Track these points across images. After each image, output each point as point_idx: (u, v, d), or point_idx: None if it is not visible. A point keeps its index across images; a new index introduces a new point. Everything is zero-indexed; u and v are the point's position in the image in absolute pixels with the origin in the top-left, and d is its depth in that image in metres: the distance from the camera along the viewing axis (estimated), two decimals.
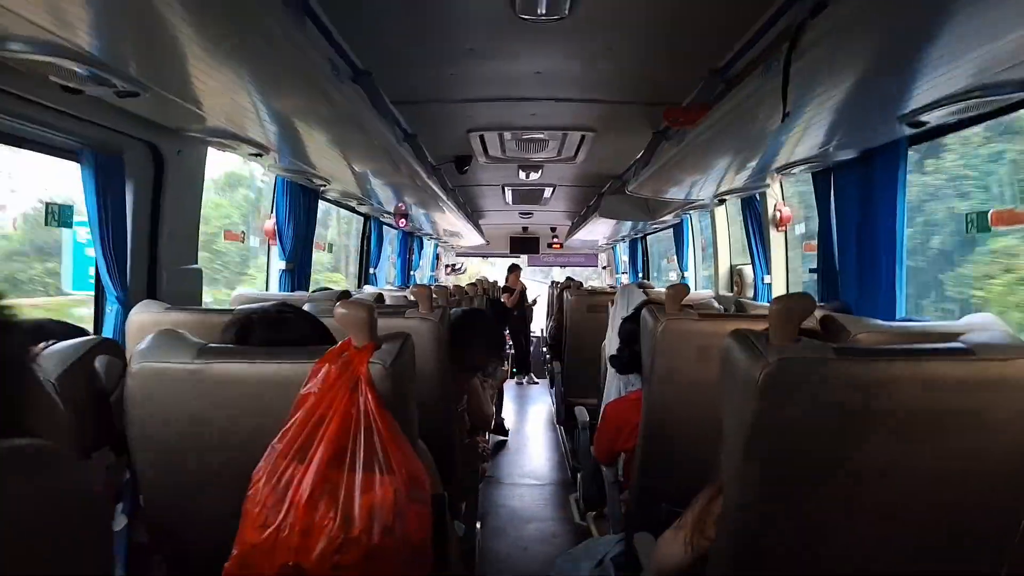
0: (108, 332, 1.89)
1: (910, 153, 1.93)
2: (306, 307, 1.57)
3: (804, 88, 1.39)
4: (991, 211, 1.73)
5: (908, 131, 1.72)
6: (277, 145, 2.16)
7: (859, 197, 2.07)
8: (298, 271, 3.07)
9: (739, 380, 0.92)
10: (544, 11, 1.71)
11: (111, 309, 1.90)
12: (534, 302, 7.86)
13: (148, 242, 1.99)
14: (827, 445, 0.89)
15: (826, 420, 0.88)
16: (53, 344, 0.96)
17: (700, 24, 1.84)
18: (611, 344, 2.81)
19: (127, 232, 1.91)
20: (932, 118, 1.55)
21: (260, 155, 2.16)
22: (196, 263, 2.17)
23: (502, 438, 4.62)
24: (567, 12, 1.72)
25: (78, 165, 1.79)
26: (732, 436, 0.98)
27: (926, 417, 0.87)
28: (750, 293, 3.24)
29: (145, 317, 1.63)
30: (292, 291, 2.98)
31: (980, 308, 2.41)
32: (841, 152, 2.03)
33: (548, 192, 5.16)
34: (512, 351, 7.02)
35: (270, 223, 3.01)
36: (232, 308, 1.74)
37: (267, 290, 3.04)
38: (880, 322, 1.50)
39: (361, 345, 0.94)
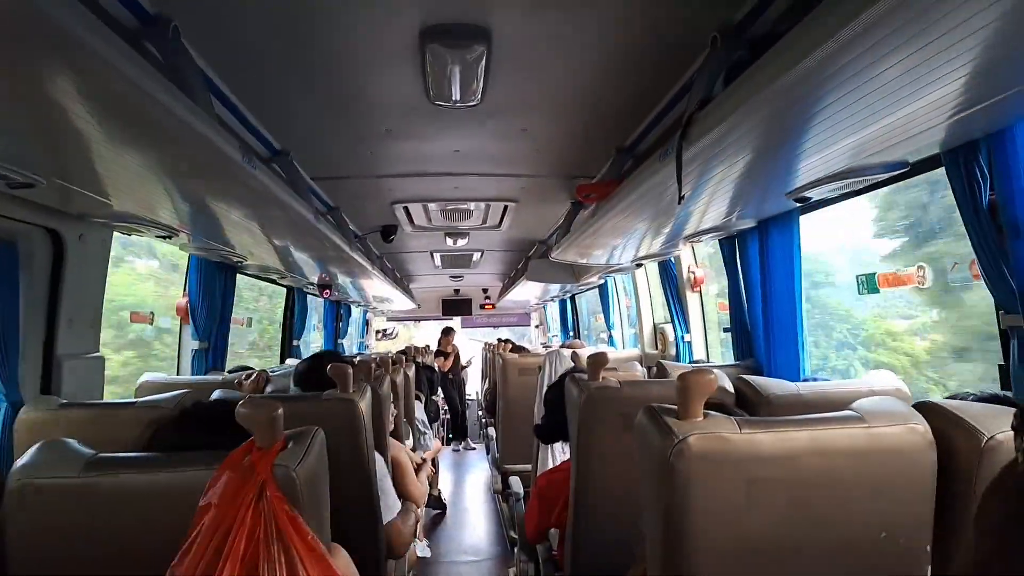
0: None
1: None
2: (216, 394, 1.50)
3: (698, 171, 1.51)
4: (878, 274, 1.92)
5: (796, 204, 1.89)
6: (190, 227, 2.10)
7: (760, 261, 2.22)
8: (213, 350, 2.92)
9: (651, 456, 0.96)
10: (457, 98, 1.79)
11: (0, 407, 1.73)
12: (468, 363, 7.81)
13: (44, 332, 1.85)
14: (738, 519, 0.92)
15: (734, 494, 0.91)
16: None
17: (606, 105, 1.97)
18: (540, 411, 2.83)
19: (19, 323, 1.76)
20: (815, 194, 1.72)
21: (170, 237, 2.09)
22: (98, 351, 2.03)
23: (438, 511, 4.46)
24: (480, 99, 1.81)
25: None
26: (650, 511, 1.01)
27: (826, 486, 0.92)
28: (673, 351, 3.36)
29: (37, 416, 1.49)
30: (206, 373, 2.82)
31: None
32: (741, 222, 2.19)
33: (477, 256, 5.22)
34: (447, 416, 6.88)
35: (182, 301, 2.87)
36: (134, 401, 1.64)
37: (178, 373, 2.86)
38: (788, 384, 1.60)
39: (266, 446, 0.90)
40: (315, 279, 3.97)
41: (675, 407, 0.96)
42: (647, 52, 1.61)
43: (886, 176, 1.53)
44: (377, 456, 1.87)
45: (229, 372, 2.77)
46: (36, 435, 0.97)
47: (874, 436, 0.93)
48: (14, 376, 1.73)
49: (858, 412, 0.97)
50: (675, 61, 1.67)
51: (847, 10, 0.82)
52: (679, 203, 1.56)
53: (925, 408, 0.98)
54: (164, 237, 2.07)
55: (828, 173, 1.55)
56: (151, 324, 2.77)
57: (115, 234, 2.05)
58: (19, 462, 0.91)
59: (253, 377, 2.02)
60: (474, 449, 6.82)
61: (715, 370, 1.03)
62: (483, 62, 1.60)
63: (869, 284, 1.94)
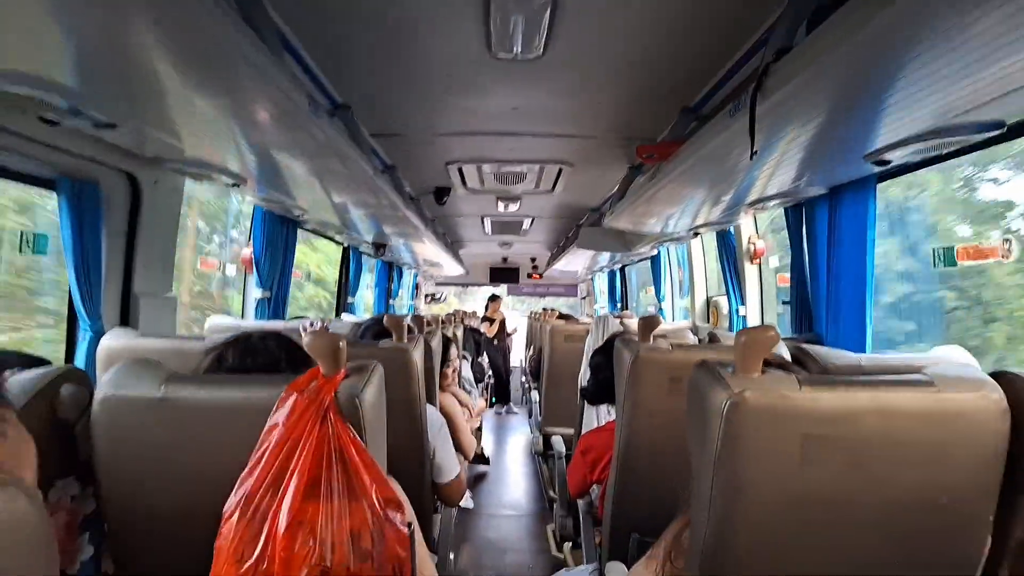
0: (80, 361, 1.87)
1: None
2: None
3: (770, 129, 1.45)
4: (957, 247, 1.81)
5: (875, 168, 1.79)
6: (255, 176, 2.17)
7: (829, 232, 2.12)
8: (275, 300, 3.05)
9: (704, 410, 0.94)
10: (519, 50, 1.76)
11: (84, 337, 1.87)
12: (514, 331, 7.87)
13: (122, 271, 1.98)
14: (791, 475, 0.91)
15: (789, 450, 0.90)
16: (16, 373, 0.95)
17: (672, 63, 1.91)
18: (585, 375, 2.83)
19: (102, 260, 1.89)
20: (895, 157, 1.62)
21: (238, 185, 2.17)
22: (171, 292, 2.15)
23: (483, 468, 4.57)
24: (542, 52, 1.78)
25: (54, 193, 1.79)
26: (698, 466, 1.00)
27: (887, 448, 0.90)
28: (726, 324, 3.29)
29: (116, 345, 1.61)
30: (269, 320, 2.95)
31: None
32: (811, 188, 2.09)
33: (527, 223, 5.21)
34: (492, 381, 6.99)
35: (247, 251, 3.00)
36: (204, 337, 1.73)
37: (243, 319, 3.01)
38: (849, 354, 1.54)
39: (330, 374, 0.94)
40: (370, 238, 4.06)
41: (731, 361, 0.95)
42: (718, 5, 1.54)
43: (979, 138, 1.42)
44: (432, 411, 1.93)
45: (289, 320, 2.90)
46: (116, 361, 1.06)
47: (943, 400, 0.89)
48: (97, 309, 1.87)
49: (928, 376, 0.93)
50: (748, 15, 1.59)
51: None
52: (750, 160, 1.50)
53: (1002, 377, 0.93)
54: (232, 185, 2.15)
55: (913, 133, 1.45)
56: (218, 270, 2.90)
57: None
58: (105, 377, 0.98)
59: (319, 324, 2.11)
60: (516, 413, 6.93)
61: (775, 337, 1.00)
62: (547, 13, 1.57)
63: (947, 257, 1.82)
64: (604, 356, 1.84)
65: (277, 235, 3.03)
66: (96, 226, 1.87)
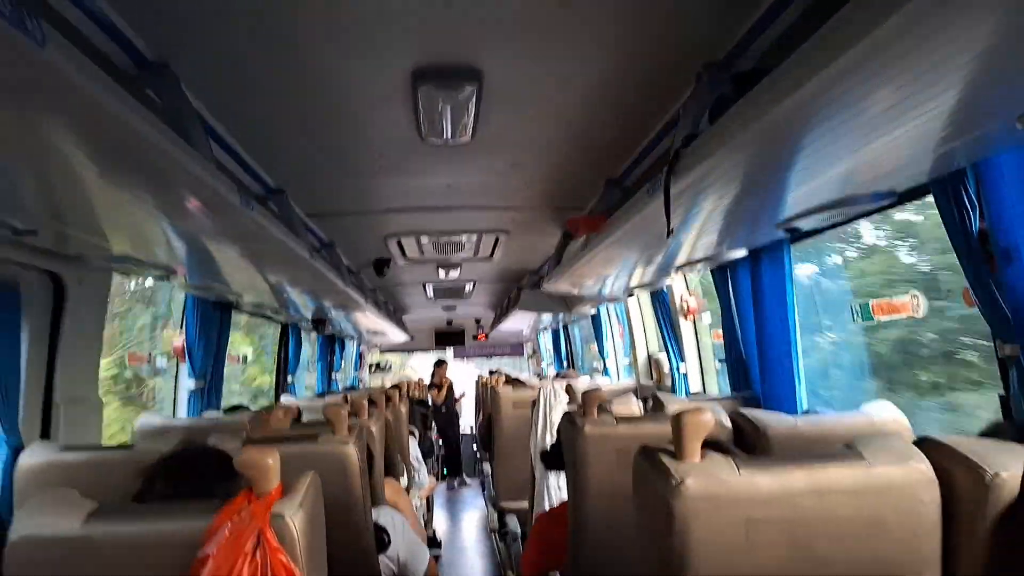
0: None
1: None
2: (211, 440, 1.47)
3: (686, 205, 1.52)
4: (871, 302, 1.92)
5: (787, 234, 1.90)
6: (186, 266, 2.09)
7: (753, 291, 2.22)
8: (209, 389, 2.88)
9: (649, 497, 0.94)
10: (449, 136, 1.80)
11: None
12: (462, 395, 7.73)
13: (44, 377, 1.84)
14: (738, 560, 0.90)
15: (734, 535, 0.89)
16: None
17: (595, 139, 1.99)
18: (535, 445, 2.79)
19: (21, 367, 1.75)
20: (805, 224, 1.73)
21: (167, 277, 2.08)
22: (96, 395, 2.00)
23: (435, 551, 4.34)
24: (470, 137, 1.83)
25: None
26: (647, 551, 0.98)
27: (824, 525, 0.91)
28: (669, 381, 3.34)
29: (37, 462, 1.47)
30: (202, 412, 2.78)
31: None
32: (732, 251, 2.19)
33: (469, 287, 5.22)
34: (442, 452, 6.77)
35: (179, 340, 2.84)
36: (132, 445, 1.62)
37: (174, 414, 2.82)
38: (786, 417, 1.58)
39: (263, 493, 0.89)
40: (310, 315, 3.95)
41: (671, 447, 0.95)
42: (634, 87, 1.64)
43: (874, 206, 1.54)
44: (387, 512, 1.84)
45: (224, 411, 2.74)
46: (37, 480, 0.96)
47: (875, 475, 0.92)
48: (14, 421, 1.71)
49: (858, 450, 0.96)
50: (662, 95, 1.69)
51: (832, 45, 0.83)
52: (668, 236, 1.56)
53: (926, 445, 0.97)
54: (161, 278, 2.07)
55: (816, 204, 1.56)
56: (148, 363, 2.73)
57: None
58: (20, 515, 0.90)
59: (285, 411, 1.98)
60: (468, 485, 6.70)
61: (712, 404, 1.02)
62: (473, 101, 1.62)
63: (863, 312, 1.94)
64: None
65: (210, 321, 2.89)
66: (14, 332, 1.74)
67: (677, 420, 0.94)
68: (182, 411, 2.83)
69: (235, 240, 1.83)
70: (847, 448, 0.97)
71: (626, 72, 1.55)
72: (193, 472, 1.08)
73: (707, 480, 0.90)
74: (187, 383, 2.84)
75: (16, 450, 1.65)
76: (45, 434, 1.81)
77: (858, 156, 1.22)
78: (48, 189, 1.24)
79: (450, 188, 2.45)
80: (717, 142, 1.22)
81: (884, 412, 1.52)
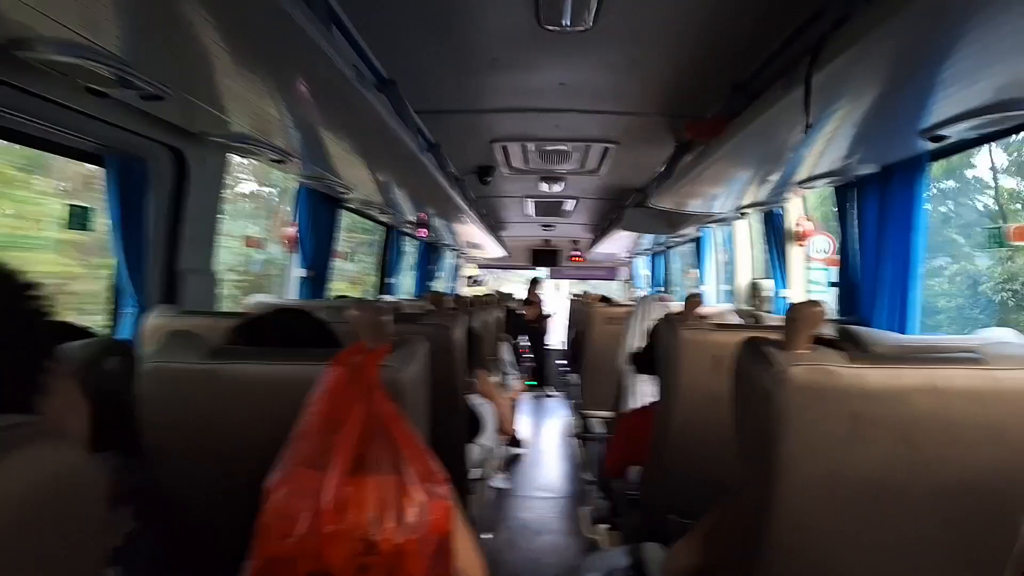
0: (124, 336, 1.93)
1: None
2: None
3: (825, 101, 1.39)
4: (1005, 227, 1.74)
5: (929, 145, 1.70)
6: (300, 152, 2.20)
7: (879, 212, 2.05)
8: (317, 279, 3.12)
9: (752, 388, 0.92)
10: (568, 22, 1.73)
11: (128, 314, 1.94)
12: (551, 314, 7.85)
13: (166, 247, 2.03)
14: (839, 453, 0.88)
15: (837, 427, 0.87)
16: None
17: (724, 38, 1.85)
18: (624, 353, 2.80)
19: (147, 237, 1.95)
20: (952, 132, 1.54)
21: (282, 161, 2.21)
22: (212, 268, 2.22)
23: (518, 450, 4.60)
24: (591, 23, 1.74)
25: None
26: (743, 444, 0.98)
27: (937, 426, 0.86)
28: (768, 307, 3.20)
29: (160, 321, 1.65)
30: (311, 299, 3.02)
31: None
32: (863, 166, 2.01)
33: (570, 204, 5.16)
34: (532, 364, 7.00)
35: (291, 230, 3.07)
36: (246, 312, 1.78)
37: (286, 297, 3.09)
38: (896, 335, 1.48)
39: (374, 348, 0.95)
40: (413, 218, 4.10)
41: (776, 340, 0.92)
42: None
43: None
44: (483, 402, 1.95)
45: (334, 299, 2.96)
46: (160, 338, 1.09)
47: (997, 379, 0.86)
48: (142, 286, 1.94)
49: (980, 355, 0.89)
50: None
51: None
52: (804, 132, 1.44)
53: None
54: (277, 161, 2.20)
55: (970, 107, 1.38)
56: (261, 248, 2.98)
57: None
58: (152, 349, 1.01)
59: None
60: (553, 396, 6.93)
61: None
62: None
63: (997, 238, 1.74)
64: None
65: (320, 214, 3.09)
66: (142, 203, 1.93)
67: (791, 310, 0.91)
68: (293, 295, 3.09)
69: (346, 128, 1.89)
70: (968, 352, 0.90)
71: None
72: (297, 330, 1.15)
73: (813, 371, 0.87)
74: (297, 272, 3.09)
75: (142, 311, 1.87)
76: (168, 300, 2.02)
77: None
78: (175, 53, 1.30)
79: (563, 87, 2.37)
80: (871, 23, 1.09)
81: (1004, 337, 1.38)
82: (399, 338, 1.02)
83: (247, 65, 1.37)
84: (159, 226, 2.00)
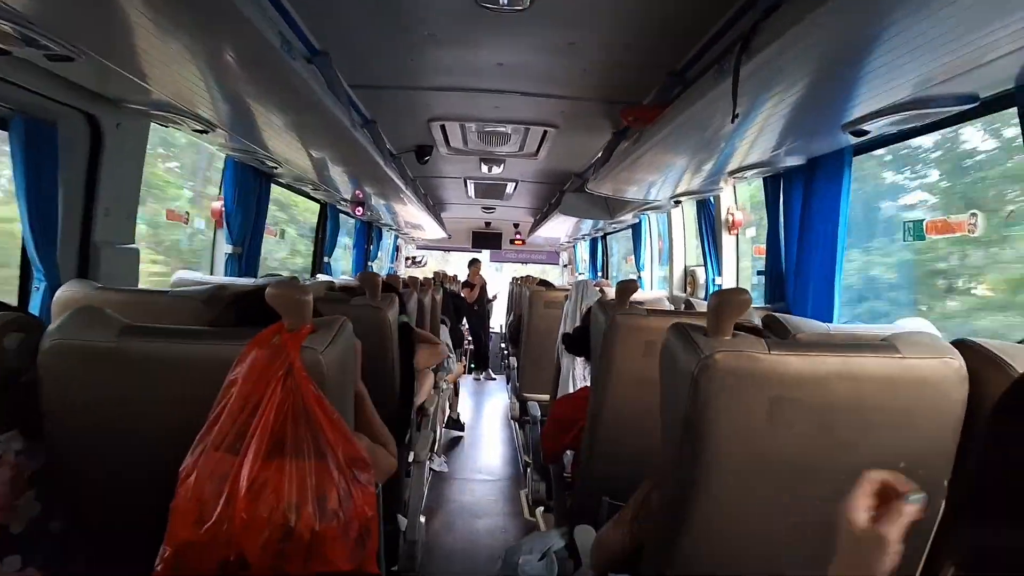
0: (34, 313, 1.78)
1: None
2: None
3: (754, 91, 1.42)
4: (926, 220, 1.83)
5: (852, 140, 1.78)
6: (227, 124, 2.08)
7: (804, 203, 2.13)
8: (246, 256, 2.98)
9: (676, 371, 0.94)
10: (506, 1, 1.69)
11: (38, 289, 1.78)
12: (494, 297, 7.86)
13: (81, 219, 1.88)
14: (758, 436, 0.91)
15: (758, 411, 0.90)
16: None
17: (660, 25, 1.85)
18: (562, 335, 2.83)
19: (58, 207, 1.80)
20: (873, 127, 1.61)
21: (207, 132, 2.08)
22: (133, 242, 2.06)
23: (458, 433, 4.60)
24: (528, 3, 1.71)
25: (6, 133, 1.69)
26: (669, 427, 1.00)
27: (852, 410, 0.91)
28: (702, 294, 3.30)
29: (73, 296, 1.52)
30: (239, 277, 2.88)
31: None
32: (789, 158, 2.08)
33: (511, 187, 5.14)
34: (471, 346, 7.00)
35: (217, 204, 2.90)
36: (167, 290, 1.67)
37: (211, 274, 2.93)
38: (818, 323, 1.55)
39: (294, 329, 0.91)
40: (348, 196, 3.97)
41: (704, 326, 0.94)
42: None
43: (953, 111, 1.42)
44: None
45: (261, 278, 2.83)
46: None
47: (907, 367, 0.91)
48: (53, 259, 1.78)
49: (893, 343, 0.94)
50: None
51: None
52: (732, 122, 1.47)
53: (962, 345, 0.96)
54: (200, 131, 2.06)
55: (890, 103, 1.44)
56: (185, 223, 2.80)
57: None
58: (54, 324, 0.93)
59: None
60: (494, 380, 6.97)
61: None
62: None
63: (915, 231, 1.85)
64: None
65: (249, 188, 2.93)
66: (52, 170, 1.77)
67: (714, 296, 0.93)
68: (219, 273, 2.93)
69: (275, 97, 1.79)
70: (882, 341, 0.95)
71: None
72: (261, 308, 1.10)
73: (736, 357, 0.89)
74: (224, 248, 2.94)
75: (54, 288, 1.69)
76: (82, 275, 1.87)
77: (943, 45, 1.10)
78: (86, 10, 1.19)
79: (502, 68, 2.33)
80: (799, 13, 1.11)
81: (918, 327, 1.48)
82: (322, 319, 0.98)
83: (166, 29, 1.26)
84: (72, 196, 1.84)
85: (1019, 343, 1.00)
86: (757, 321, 1.59)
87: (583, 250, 7.40)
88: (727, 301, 0.92)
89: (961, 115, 1.48)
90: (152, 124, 2.03)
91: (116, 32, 1.29)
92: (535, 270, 8.88)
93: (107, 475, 0.96)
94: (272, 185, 3.22)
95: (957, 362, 0.92)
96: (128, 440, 0.94)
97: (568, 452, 1.89)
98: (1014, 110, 1.34)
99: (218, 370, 0.87)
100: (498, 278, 9.23)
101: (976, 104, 1.39)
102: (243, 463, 0.82)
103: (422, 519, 2.44)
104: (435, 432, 2.85)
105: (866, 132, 1.65)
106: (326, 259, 4.60)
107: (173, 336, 0.95)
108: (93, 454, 0.94)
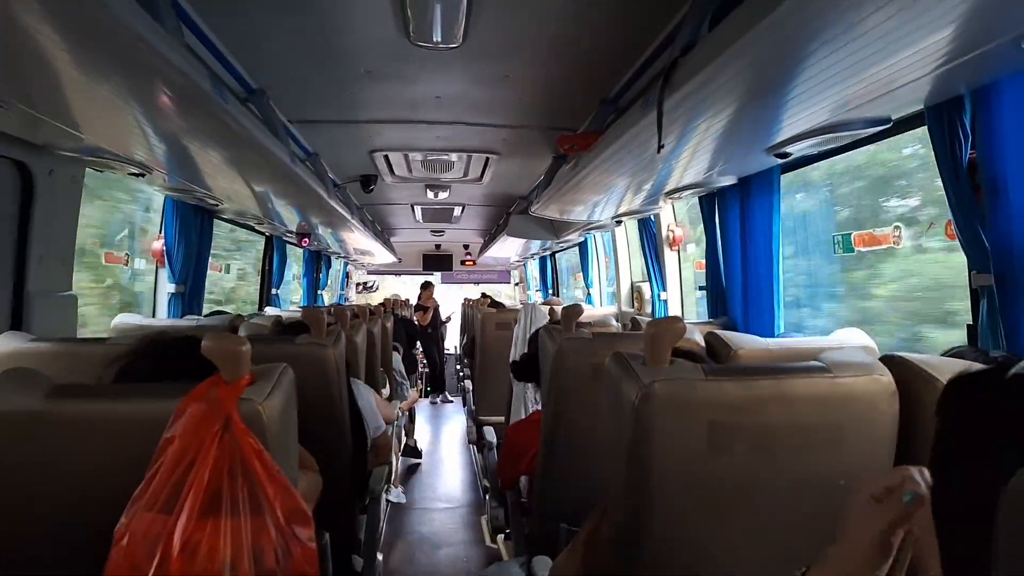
0: None
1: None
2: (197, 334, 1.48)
3: (679, 121, 1.49)
4: (853, 234, 1.95)
5: (778, 160, 1.88)
6: (164, 165, 2.03)
7: (740, 219, 2.23)
8: (189, 294, 2.88)
9: (619, 401, 0.97)
10: (439, 39, 1.72)
11: None
12: (448, 319, 7.82)
13: (13, 268, 1.80)
14: (699, 461, 0.95)
15: (697, 437, 0.93)
16: None
17: (589, 54, 1.92)
18: (513, 360, 2.85)
19: None
20: (795, 150, 1.71)
21: (143, 175, 2.02)
22: (70, 289, 1.98)
23: (415, 461, 4.52)
24: (461, 40, 1.75)
25: None
26: (615, 454, 1.03)
27: (788, 431, 0.95)
28: (649, 309, 3.39)
29: (4, 351, 1.47)
30: (182, 316, 2.79)
31: None
32: (722, 179, 2.18)
33: (458, 211, 5.17)
34: (426, 370, 6.93)
35: (158, 244, 2.81)
36: (106, 338, 1.61)
37: (154, 316, 2.82)
38: (758, 339, 1.62)
39: (232, 380, 0.89)
40: (294, 228, 3.90)
41: (643, 355, 0.97)
42: None
43: (868, 132, 1.53)
44: (358, 383, 1.90)
45: (205, 316, 2.75)
46: (4, 369, 0.95)
47: (838, 385, 0.96)
48: None
49: (823, 363, 0.99)
50: (660, 10, 1.62)
51: None
52: (658, 153, 1.54)
53: (890, 360, 1.01)
54: (138, 175, 2.00)
55: (810, 127, 1.54)
56: (125, 264, 2.70)
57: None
58: None
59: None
60: (451, 402, 6.90)
61: (687, 324, 1.04)
62: (464, 1, 1.53)
63: (844, 244, 1.96)
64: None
65: (191, 226, 2.86)
66: None
67: (650, 326, 0.97)
68: (161, 314, 2.84)
69: (212, 137, 1.76)
70: (814, 362, 1.00)
71: None
72: (178, 355, 1.03)
73: (674, 384, 0.93)
74: (167, 287, 2.84)
75: None
76: (16, 327, 1.79)
77: (856, 74, 1.19)
78: (11, 63, 1.16)
79: (440, 100, 2.36)
80: (715, 50, 1.18)
81: (855, 337, 1.56)
82: (261, 367, 0.96)
83: (91, 76, 1.23)
84: (3, 245, 1.77)
85: (943, 355, 1.07)
86: (698, 337, 1.66)
87: (534, 268, 7.47)
88: (664, 330, 0.96)
89: (876, 135, 1.57)
90: (87, 169, 1.96)
91: (41, 80, 1.26)
92: (490, 289, 8.90)
93: (39, 542, 0.90)
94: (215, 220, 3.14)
95: (886, 378, 0.96)
96: (61, 506, 0.89)
97: (523, 478, 1.90)
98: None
99: (154, 428, 0.84)
100: (455, 296, 9.19)
101: (889, 125, 1.50)
102: (176, 522, 0.79)
103: (379, 557, 2.39)
104: (391, 463, 2.80)
105: (789, 154, 1.75)
106: (274, 291, 4.49)
107: (106, 395, 0.91)
108: (22, 520, 0.89)
